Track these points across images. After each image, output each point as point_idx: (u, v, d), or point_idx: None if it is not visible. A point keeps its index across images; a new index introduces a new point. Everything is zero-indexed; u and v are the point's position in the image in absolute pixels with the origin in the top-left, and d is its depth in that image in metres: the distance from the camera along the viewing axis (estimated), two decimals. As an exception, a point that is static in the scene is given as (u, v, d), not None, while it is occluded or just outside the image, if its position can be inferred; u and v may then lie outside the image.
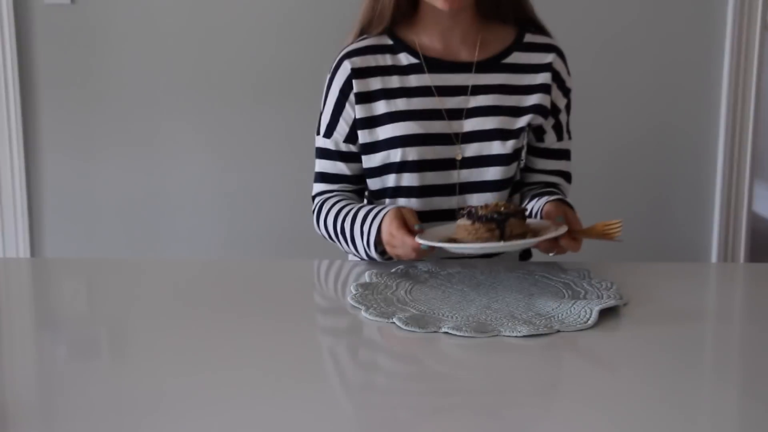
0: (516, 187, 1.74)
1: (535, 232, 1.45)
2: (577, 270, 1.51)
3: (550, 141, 1.74)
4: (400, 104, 1.66)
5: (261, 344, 1.25)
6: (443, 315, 1.31)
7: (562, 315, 1.31)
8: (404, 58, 1.69)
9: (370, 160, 1.69)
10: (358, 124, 1.68)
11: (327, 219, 1.67)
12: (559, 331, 1.26)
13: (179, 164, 2.87)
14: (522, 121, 1.67)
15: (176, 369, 1.16)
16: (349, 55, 1.69)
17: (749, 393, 1.13)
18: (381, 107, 1.67)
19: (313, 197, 1.75)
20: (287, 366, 1.17)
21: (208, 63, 2.83)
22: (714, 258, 2.95)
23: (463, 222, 1.44)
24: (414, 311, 1.33)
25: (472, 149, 1.66)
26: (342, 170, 1.72)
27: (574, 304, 1.35)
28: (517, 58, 1.71)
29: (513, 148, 1.67)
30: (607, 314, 1.32)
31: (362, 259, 1.62)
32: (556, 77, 1.71)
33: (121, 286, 1.55)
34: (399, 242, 1.49)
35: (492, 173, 1.67)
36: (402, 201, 1.68)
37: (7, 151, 2.83)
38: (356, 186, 1.73)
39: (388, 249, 1.53)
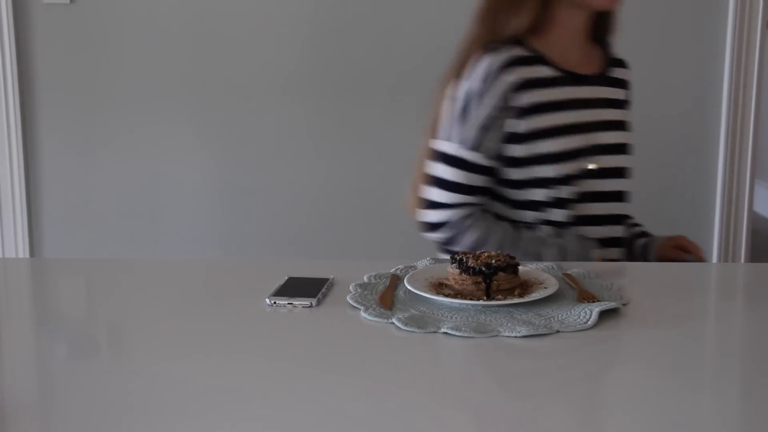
0: None
1: (524, 287, 1.39)
2: (577, 270, 1.51)
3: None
4: (557, 118, 1.69)
5: (260, 344, 1.25)
6: (442, 315, 1.31)
7: (562, 315, 1.31)
8: (548, 70, 1.70)
9: (520, 173, 1.70)
10: (511, 138, 1.68)
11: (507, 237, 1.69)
12: (558, 331, 1.26)
13: (178, 164, 2.87)
14: (631, 136, 1.76)
15: (176, 369, 1.16)
16: (506, 67, 1.67)
17: (750, 393, 1.12)
18: (539, 121, 1.68)
19: (448, 205, 1.71)
20: (286, 366, 1.16)
21: (208, 63, 2.82)
22: (714, 258, 2.95)
23: (451, 270, 1.39)
24: (413, 311, 1.32)
25: (604, 161, 1.74)
26: (486, 183, 1.72)
27: (574, 304, 1.35)
28: (615, 72, 1.79)
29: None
30: (607, 315, 1.32)
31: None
32: (629, 93, 1.80)
33: (120, 286, 1.55)
34: None
35: (622, 184, 1.79)
36: (555, 211, 1.71)
37: (7, 151, 2.83)
38: (487, 198, 1.75)
39: None
